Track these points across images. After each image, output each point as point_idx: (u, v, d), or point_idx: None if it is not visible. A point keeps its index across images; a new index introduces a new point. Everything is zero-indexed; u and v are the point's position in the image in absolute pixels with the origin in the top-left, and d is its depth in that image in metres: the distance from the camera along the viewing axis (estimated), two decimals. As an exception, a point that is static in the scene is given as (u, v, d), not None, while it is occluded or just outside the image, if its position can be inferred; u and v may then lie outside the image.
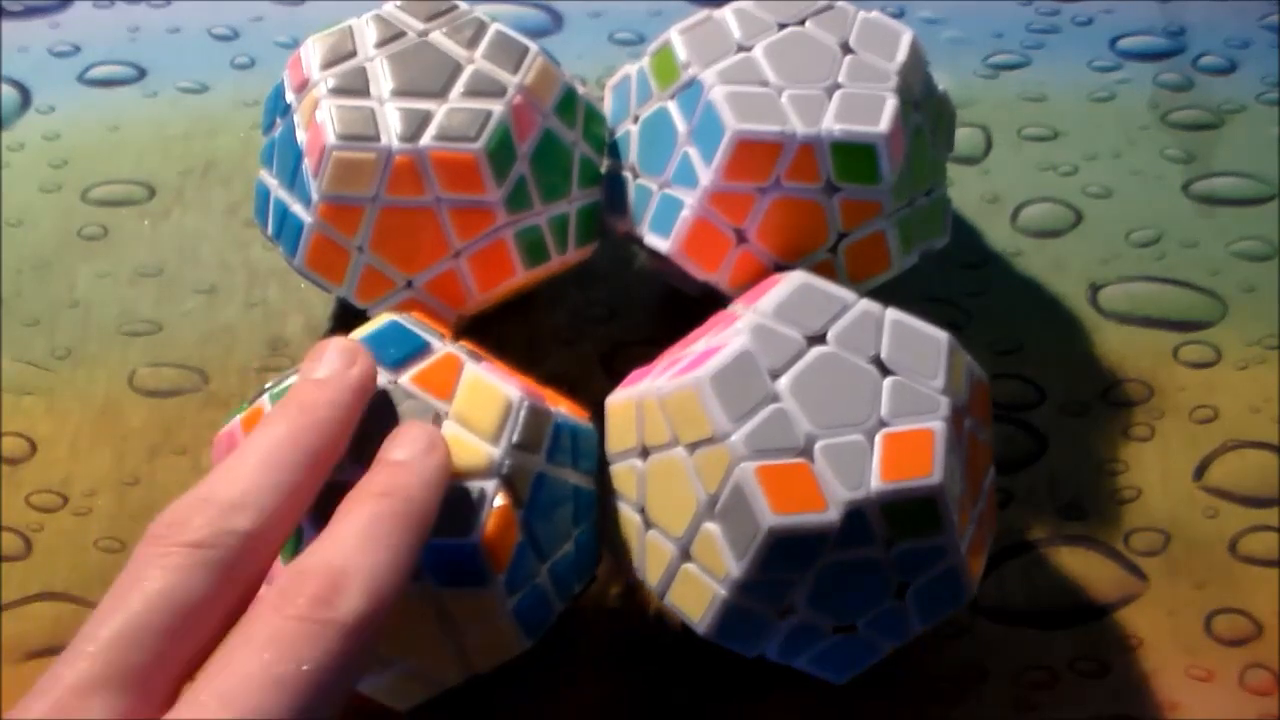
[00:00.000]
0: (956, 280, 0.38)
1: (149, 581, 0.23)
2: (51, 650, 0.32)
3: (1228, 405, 0.36)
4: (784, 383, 0.28)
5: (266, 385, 0.29)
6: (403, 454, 0.26)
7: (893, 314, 0.29)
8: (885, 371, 0.28)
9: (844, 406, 0.28)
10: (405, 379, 0.28)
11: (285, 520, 0.25)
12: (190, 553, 0.23)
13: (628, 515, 0.29)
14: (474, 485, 0.27)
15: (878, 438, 0.27)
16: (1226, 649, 0.32)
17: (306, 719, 0.22)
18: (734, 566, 0.27)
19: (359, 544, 0.24)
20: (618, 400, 0.30)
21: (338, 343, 0.28)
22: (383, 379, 0.28)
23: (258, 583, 0.24)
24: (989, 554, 0.30)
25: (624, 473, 0.29)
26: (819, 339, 0.29)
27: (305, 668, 0.22)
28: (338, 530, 0.24)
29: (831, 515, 0.27)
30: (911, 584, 0.28)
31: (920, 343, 0.29)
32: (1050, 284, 0.38)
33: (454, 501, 0.27)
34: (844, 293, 0.29)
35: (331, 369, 0.27)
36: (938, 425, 0.28)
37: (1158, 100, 0.42)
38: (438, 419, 0.28)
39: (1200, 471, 0.35)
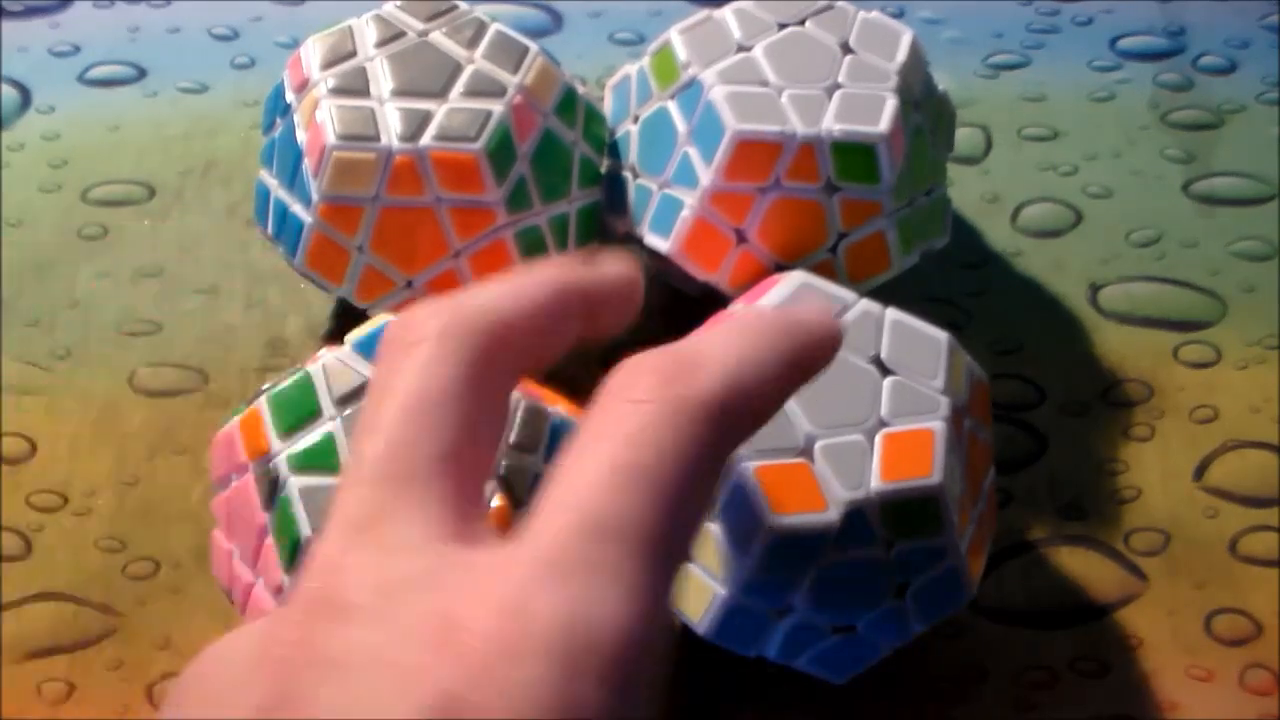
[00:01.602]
0: (956, 280, 0.38)
1: (402, 377, 0.21)
2: (51, 650, 0.32)
3: (1228, 405, 0.36)
4: None
5: (266, 385, 0.29)
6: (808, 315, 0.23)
7: (893, 314, 0.29)
8: (885, 371, 0.28)
9: (844, 406, 0.28)
10: (405, 379, 0.28)
11: (532, 326, 0.22)
12: (438, 344, 0.21)
13: None
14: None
15: (878, 437, 0.27)
16: (1226, 649, 0.32)
17: (667, 516, 0.19)
18: (734, 566, 0.27)
19: (715, 339, 0.21)
20: None
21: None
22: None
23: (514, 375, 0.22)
24: (989, 554, 0.30)
25: None
26: None
27: (656, 457, 0.19)
28: (703, 334, 0.22)
29: (831, 515, 0.27)
30: (911, 584, 0.28)
31: (920, 343, 0.29)
32: (1050, 284, 0.38)
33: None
34: (844, 292, 0.29)
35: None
36: (938, 425, 0.28)
37: (1158, 100, 0.42)
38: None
39: (1200, 471, 0.35)
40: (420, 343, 0.21)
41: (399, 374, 0.21)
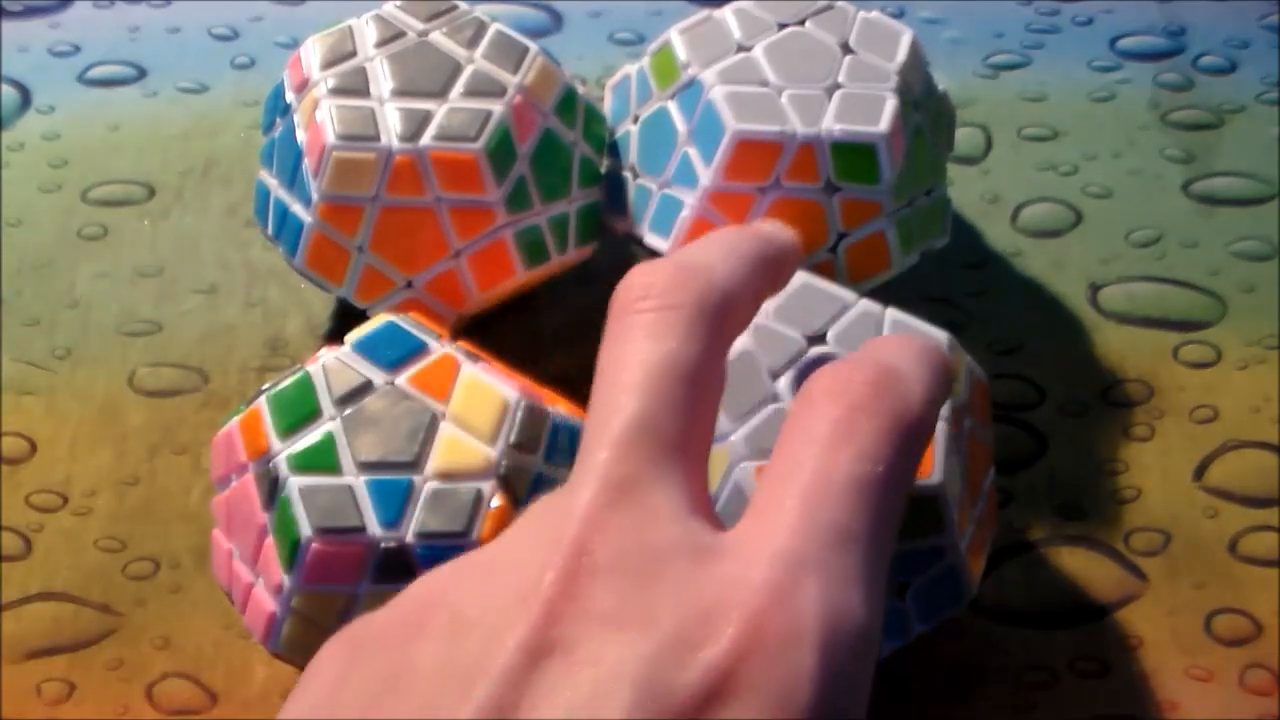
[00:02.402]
0: (956, 280, 0.38)
1: (651, 343, 0.22)
2: (51, 650, 0.32)
3: (1228, 405, 0.36)
4: (784, 383, 0.28)
5: (266, 385, 0.29)
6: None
7: (892, 314, 0.29)
8: None
9: None
10: (402, 380, 0.28)
11: (751, 293, 0.23)
12: (678, 314, 0.22)
13: None
14: (471, 486, 0.27)
15: None
16: (1226, 649, 0.32)
17: (885, 525, 0.20)
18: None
19: (903, 357, 0.22)
20: None
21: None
22: (379, 380, 0.28)
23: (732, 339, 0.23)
24: (989, 554, 0.30)
25: None
26: (819, 339, 0.29)
27: (880, 469, 0.20)
28: (873, 347, 0.23)
29: None
30: (911, 584, 0.28)
31: None
32: (1050, 284, 0.38)
33: (451, 502, 0.27)
34: (844, 293, 0.29)
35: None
36: (939, 427, 0.28)
37: (1158, 100, 0.42)
38: (435, 420, 0.28)
39: (1200, 471, 0.35)
40: (663, 310, 0.22)
41: (645, 338, 0.22)
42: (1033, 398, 0.36)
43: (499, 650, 0.18)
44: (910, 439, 0.21)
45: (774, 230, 0.26)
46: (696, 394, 0.21)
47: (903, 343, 0.23)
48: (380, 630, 0.20)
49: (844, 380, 0.22)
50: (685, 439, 0.21)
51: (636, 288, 0.23)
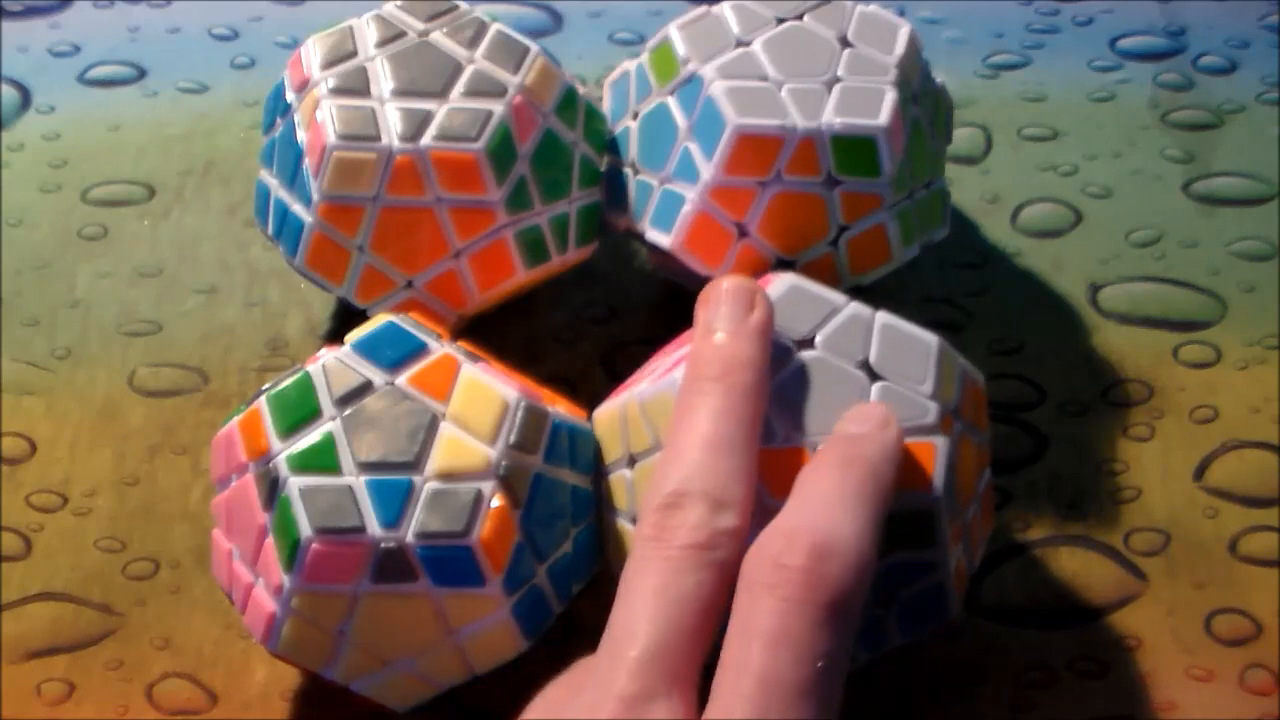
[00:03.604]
0: (956, 280, 0.38)
1: (672, 586, 0.24)
2: (51, 650, 0.32)
3: (1228, 405, 0.36)
4: (773, 387, 0.28)
5: (265, 385, 0.29)
6: (858, 428, 0.26)
7: (883, 317, 0.29)
8: (874, 376, 0.28)
9: (831, 413, 0.28)
10: (402, 380, 0.28)
11: (750, 501, 0.25)
12: (698, 554, 0.24)
13: (624, 528, 0.29)
14: (471, 486, 0.27)
15: None
16: (1226, 649, 0.32)
17: (830, 706, 0.23)
18: None
19: (832, 513, 0.24)
20: (603, 412, 0.30)
21: (732, 288, 0.28)
22: (379, 380, 0.28)
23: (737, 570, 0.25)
24: (988, 554, 0.30)
25: (616, 484, 0.29)
26: (807, 343, 0.28)
27: (820, 664, 0.22)
28: (806, 499, 0.25)
29: None
30: (897, 597, 0.28)
31: (910, 347, 0.29)
32: (1050, 284, 0.38)
33: (451, 502, 0.27)
34: (834, 295, 0.29)
35: (733, 321, 0.27)
36: (940, 441, 0.28)
37: (1158, 100, 0.42)
38: (435, 420, 0.28)
39: (1200, 471, 0.35)
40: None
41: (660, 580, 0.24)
42: (1033, 398, 0.36)
43: None
44: (845, 617, 0.23)
45: (727, 363, 0.27)
46: (697, 635, 0.24)
47: (833, 470, 0.25)
48: None
49: (781, 569, 0.23)
50: (684, 683, 0.23)
51: (650, 525, 0.25)
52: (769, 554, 0.24)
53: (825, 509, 0.24)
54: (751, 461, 0.26)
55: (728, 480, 0.25)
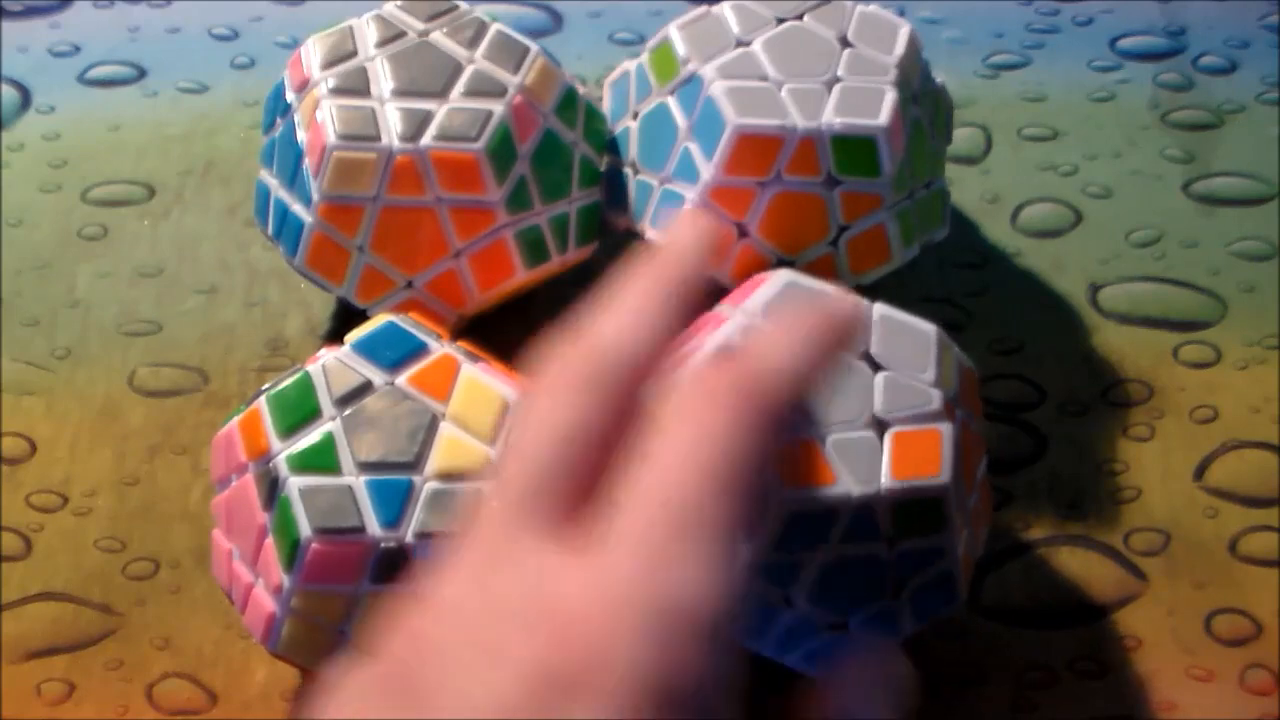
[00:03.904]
0: (956, 280, 0.38)
1: (550, 414, 0.23)
2: (51, 650, 0.32)
3: (1228, 405, 0.36)
4: None
5: (265, 385, 0.29)
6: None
7: (880, 309, 0.29)
8: (876, 367, 0.28)
9: (836, 404, 0.28)
10: (402, 380, 0.28)
11: (662, 346, 0.24)
12: (581, 385, 0.23)
13: None
14: (471, 486, 0.27)
15: (886, 437, 0.28)
16: (1226, 649, 0.32)
17: (747, 505, 0.21)
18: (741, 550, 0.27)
19: (778, 347, 0.23)
20: None
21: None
22: (379, 380, 0.28)
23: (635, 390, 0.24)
24: (988, 553, 0.30)
25: None
26: None
27: (735, 460, 0.21)
28: (762, 339, 0.24)
29: (842, 488, 0.27)
30: (908, 584, 0.28)
31: (909, 337, 0.29)
32: (1050, 284, 0.38)
33: (451, 502, 0.27)
34: (830, 289, 0.29)
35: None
36: (945, 427, 0.28)
37: (1158, 100, 0.42)
38: (434, 420, 0.28)
39: (1200, 471, 0.35)
40: (556, 391, 0.23)
41: (535, 412, 0.23)
42: (1033, 398, 0.36)
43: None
44: (768, 429, 0.22)
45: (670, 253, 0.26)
46: (584, 447, 0.22)
47: (795, 329, 0.24)
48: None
49: (708, 375, 0.22)
50: (567, 508, 0.22)
51: (538, 381, 0.24)
52: (696, 370, 0.23)
53: (780, 345, 0.23)
54: (674, 321, 0.25)
55: (637, 329, 0.24)
